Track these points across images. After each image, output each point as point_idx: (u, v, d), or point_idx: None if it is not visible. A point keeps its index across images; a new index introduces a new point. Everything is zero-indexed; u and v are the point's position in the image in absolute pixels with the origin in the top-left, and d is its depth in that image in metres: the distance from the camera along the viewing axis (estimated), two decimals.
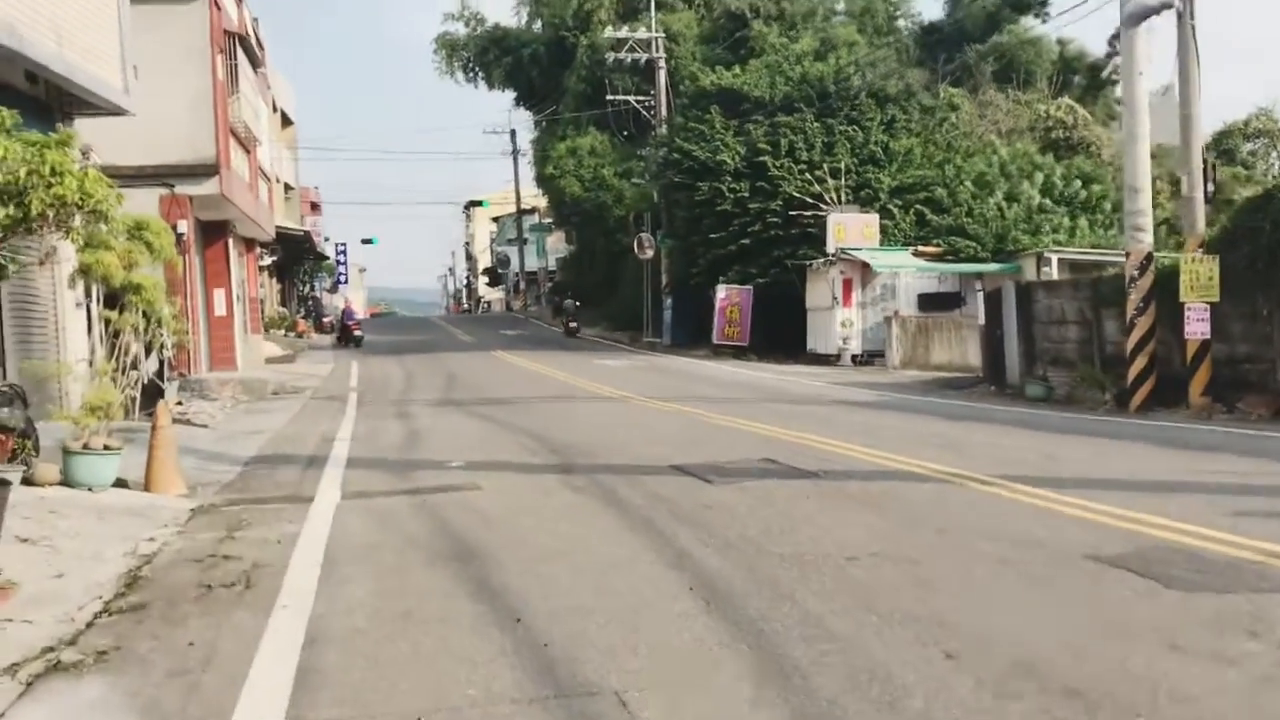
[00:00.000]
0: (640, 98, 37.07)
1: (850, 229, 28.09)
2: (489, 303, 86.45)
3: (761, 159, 30.03)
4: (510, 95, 57.09)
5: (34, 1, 10.29)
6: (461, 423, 13.95)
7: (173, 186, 20.90)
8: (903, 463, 9.40)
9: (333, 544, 6.48)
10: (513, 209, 68.85)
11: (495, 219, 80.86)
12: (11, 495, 6.30)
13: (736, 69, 33.59)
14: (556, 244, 65.71)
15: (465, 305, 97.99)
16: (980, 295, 19.79)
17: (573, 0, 50.14)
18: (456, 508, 7.67)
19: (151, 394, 15.50)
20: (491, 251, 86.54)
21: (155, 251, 8.34)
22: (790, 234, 29.50)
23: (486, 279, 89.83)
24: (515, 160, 64.21)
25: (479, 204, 64.50)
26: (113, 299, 9.41)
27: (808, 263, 28.61)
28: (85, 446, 7.65)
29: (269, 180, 32.20)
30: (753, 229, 29.73)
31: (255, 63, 25.42)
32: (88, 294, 11.22)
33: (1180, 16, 14.38)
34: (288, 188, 48.83)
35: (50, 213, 6.98)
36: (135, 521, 7.21)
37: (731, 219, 30.10)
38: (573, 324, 41.42)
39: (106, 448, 7.77)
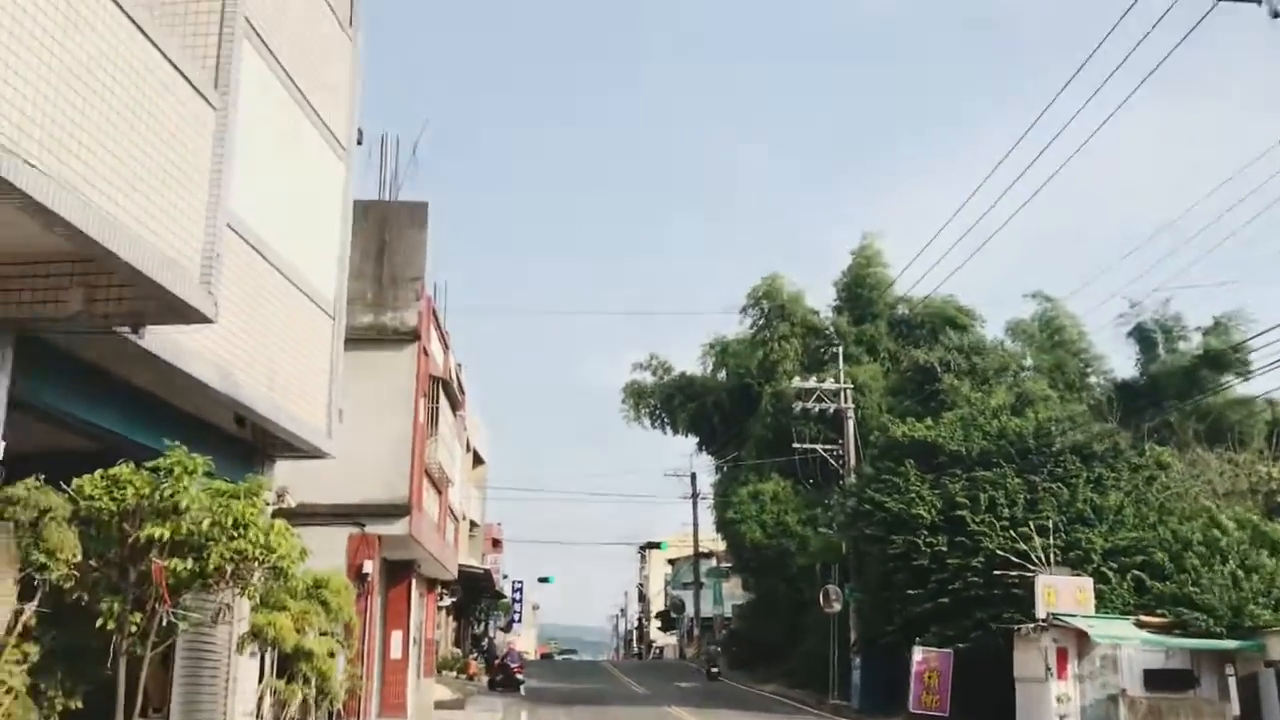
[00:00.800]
0: (828, 447, 36.47)
1: (1062, 592, 25.73)
2: (660, 649, 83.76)
3: (960, 513, 28.45)
4: (693, 440, 57.88)
5: (252, 348, 10.40)
6: None
7: (364, 525, 20.92)
8: None
9: None
10: (689, 552, 68.03)
11: (671, 561, 79.91)
12: None
13: (929, 421, 32.75)
14: (733, 590, 63.92)
15: (636, 649, 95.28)
16: (1232, 680, 17.22)
17: (758, 351, 51.25)
18: None
19: None
20: (666, 594, 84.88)
21: (332, 613, 7.65)
22: (993, 594, 27.29)
23: (659, 623, 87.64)
24: (695, 503, 64.04)
25: (657, 546, 63.93)
26: (284, 661, 8.70)
27: (1015, 628, 26.14)
28: None
29: (457, 520, 32.40)
30: (952, 586, 27.69)
31: (455, 406, 26.14)
32: (262, 646, 10.63)
33: None
34: (473, 525, 49.49)
35: (229, 567, 6.38)
36: None
37: (928, 575, 28.20)
38: (714, 669, 41.78)
39: None
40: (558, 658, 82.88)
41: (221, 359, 9.77)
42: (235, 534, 6.35)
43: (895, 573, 29.22)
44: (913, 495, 29.46)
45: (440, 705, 28.81)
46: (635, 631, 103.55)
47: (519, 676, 37.44)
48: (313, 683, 7.51)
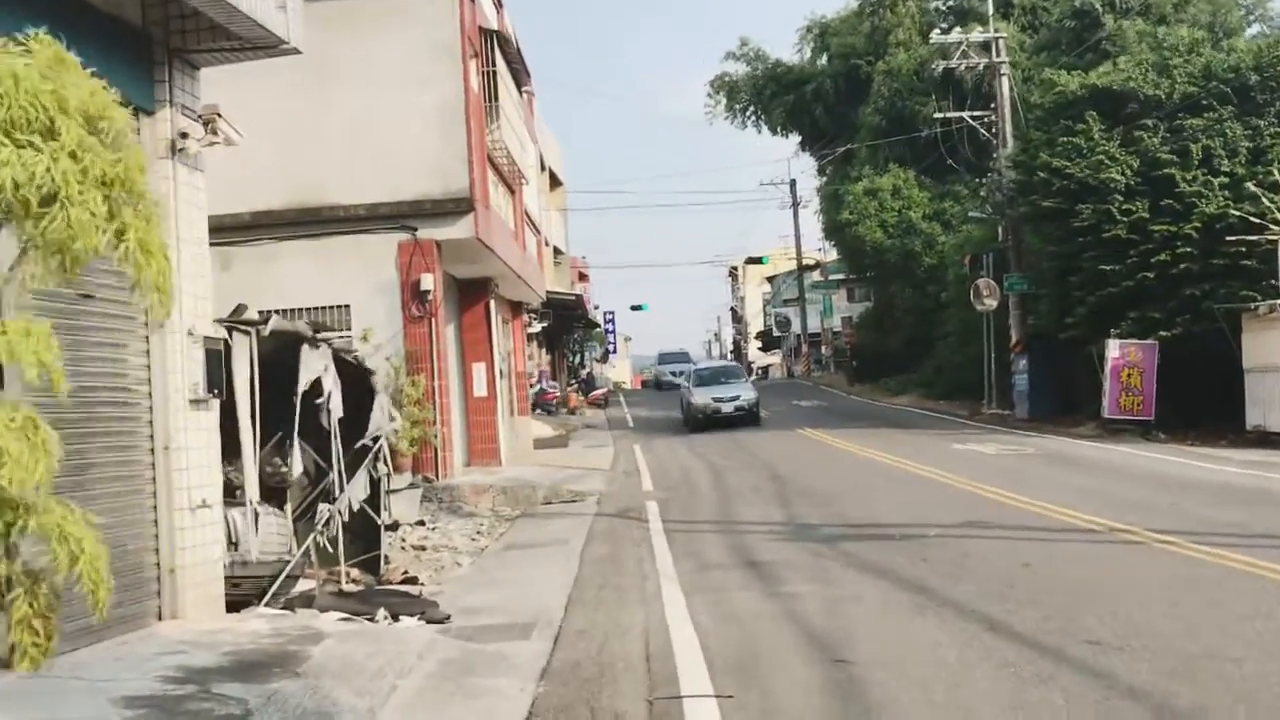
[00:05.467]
0: (976, 114, 29.89)
1: None
2: (764, 369, 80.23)
3: (1165, 171, 22.40)
4: (791, 142, 51.59)
5: None
6: (892, 611, 7.24)
7: (415, 230, 15.87)
8: None
9: None
10: (789, 266, 62.95)
11: (770, 278, 75.03)
12: None
13: (1105, 67, 26.15)
14: (841, 302, 59.14)
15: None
16: None
17: (866, 24, 44.09)
18: None
19: (363, 532, 9.98)
20: (765, 313, 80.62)
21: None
22: (1211, 267, 21.63)
23: (759, 343, 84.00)
24: (795, 212, 58.17)
25: (758, 261, 58.60)
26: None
27: (1250, 305, 20.60)
28: None
29: (538, 232, 27.29)
30: (1157, 259, 22.04)
31: (519, 79, 20.39)
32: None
33: None
34: (557, 252, 44.65)
35: None
36: None
37: (1125, 250, 22.51)
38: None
39: None
40: (666, 373, 53.66)
41: None
42: None
43: (1080, 253, 23.55)
44: (1100, 156, 23.36)
45: (540, 444, 24.74)
46: (731, 354, 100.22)
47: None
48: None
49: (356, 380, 10.12)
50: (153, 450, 6.36)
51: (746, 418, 28.22)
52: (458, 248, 16.27)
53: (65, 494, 5.77)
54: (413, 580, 9.40)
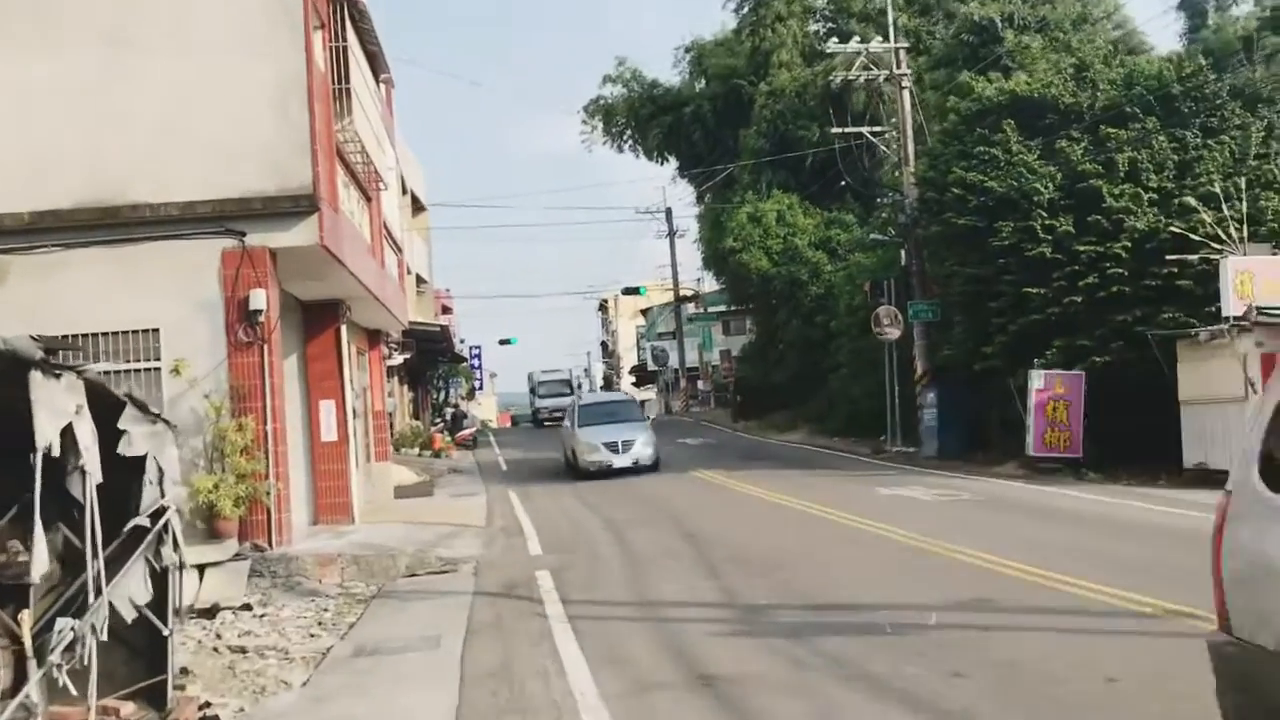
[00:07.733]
0: (876, 130, 28.00)
1: (1259, 278, 18.29)
2: (640, 404, 77.60)
3: (1091, 184, 20.74)
4: (667, 169, 49.56)
5: None
6: None
7: (243, 235, 12.65)
8: None
9: None
10: (664, 299, 60.78)
11: (644, 311, 72.83)
12: None
13: (1020, 76, 24.64)
14: (718, 335, 57.22)
15: None
16: None
17: (747, 44, 42.37)
18: None
19: (147, 647, 6.85)
20: (639, 347, 78.31)
21: None
22: (1142, 289, 19.96)
23: (633, 378, 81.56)
24: (672, 242, 55.81)
25: (636, 291, 55.97)
26: None
27: (1191, 331, 18.86)
28: None
29: (398, 251, 24.09)
30: (1085, 281, 20.28)
31: (376, 66, 17.28)
32: None
33: None
34: (420, 280, 41.23)
35: None
36: None
37: (1050, 271, 20.71)
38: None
39: None
40: (545, 409, 48.02)
41: None
42: None
43: (999, 275, 21.65)
44: (1021, 169, 21.59)
45: (403, 493, 21.49)
46: (602, 389, 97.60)
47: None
48: None
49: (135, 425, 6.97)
50: None
51: (646, 470, 24.03)
52: (298, 258, 13.09)
53: None
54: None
